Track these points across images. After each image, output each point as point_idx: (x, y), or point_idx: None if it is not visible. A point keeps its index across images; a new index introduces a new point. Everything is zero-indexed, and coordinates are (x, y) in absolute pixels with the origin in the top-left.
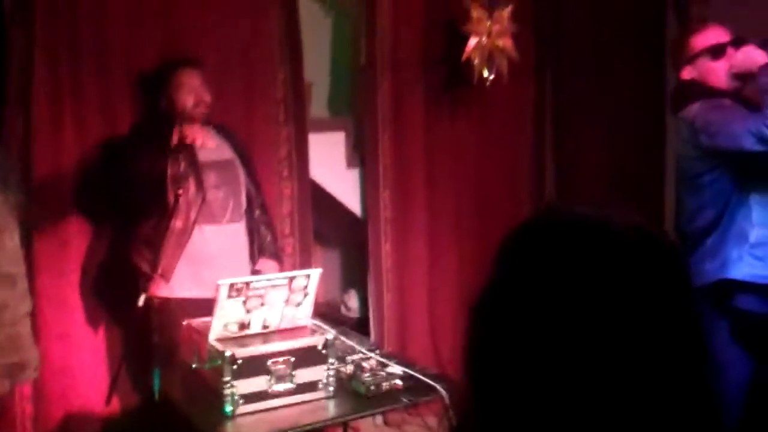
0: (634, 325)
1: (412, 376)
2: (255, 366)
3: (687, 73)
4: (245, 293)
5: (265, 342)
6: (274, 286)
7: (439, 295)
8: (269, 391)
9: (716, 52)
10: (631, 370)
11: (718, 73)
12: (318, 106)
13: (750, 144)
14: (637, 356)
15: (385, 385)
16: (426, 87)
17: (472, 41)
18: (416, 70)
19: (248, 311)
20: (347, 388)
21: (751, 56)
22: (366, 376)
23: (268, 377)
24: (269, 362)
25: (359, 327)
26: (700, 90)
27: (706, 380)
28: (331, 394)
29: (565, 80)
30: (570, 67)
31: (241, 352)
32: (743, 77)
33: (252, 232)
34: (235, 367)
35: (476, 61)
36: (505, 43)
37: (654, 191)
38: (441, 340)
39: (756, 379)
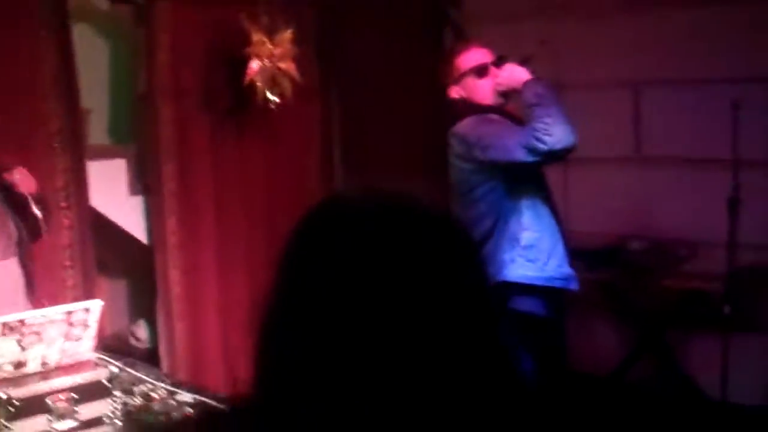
0: (422, 311)
1: (203, 401)
2: (33, 406)
3: (455, 92)
4: (20, 331)
5: (43, 379)
6: (51, 321)
7: (232, 318)
8: (50, 430)
9: (480, 71)
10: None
11: (484, 90)
12: (98, 133)
13: (522, 156)
14: (430, 346)
15: (175, 414)
16: (210, 112)
17: (254, 64)
18: (199, 95)
19: (24, 349)
20: (137, 420)
21: (514, 74)
22: (155, 406)
23: (48, 416)
24: (49, 400)
25: (150, 357)
26: (469, 107)
27: (500, 352)
28: (119, 428)
29: (352, 99)
30: (356, 86)
31: (17, 393)
32: (507, 94)
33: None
34: (11, 408)
35: (259, 85)
36: (288, 65)
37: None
38: (236, 363)
39: (535, 377)
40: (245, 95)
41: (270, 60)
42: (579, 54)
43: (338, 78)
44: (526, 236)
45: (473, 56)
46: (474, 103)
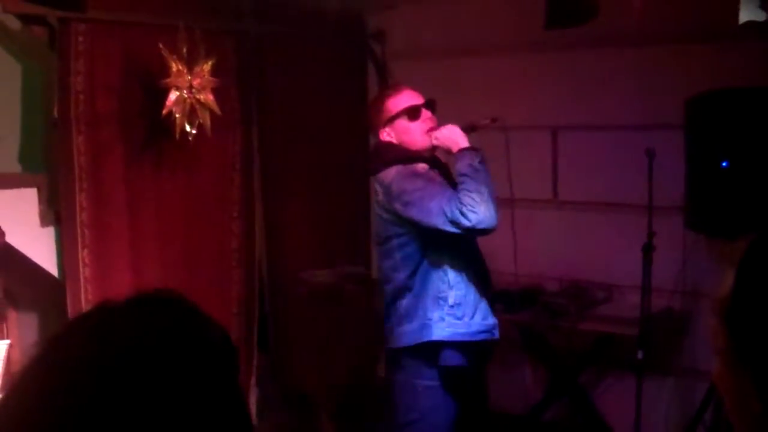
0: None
1: None
2: None
3: (385, 135)
4: None
5: None
6: None
7: None
8: None
9: (412, 113)
10: None
11: (415, 133)
12: (9, 160)
13: (441, 223)
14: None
15: None
16: (126, 142)
17: (173, 95)
18: (115, 124)
19: None
20: None
21: (453, 135)
22: None
23: None
24: None
25: None
26: (398, 153)
27: None
28: None
29: (273, 133)
30: (277, 120)
31: None
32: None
33: None
34: None
35: (178, 116)
36: (207, 97)
37: (363, 242)
38: None
39: (460, 421)
40: (163, 125)
41: (189, 91)
42: (498, 95)
43: (259, 110)
44: (453, 295)
45: (404, 98)
46: (403, 147)
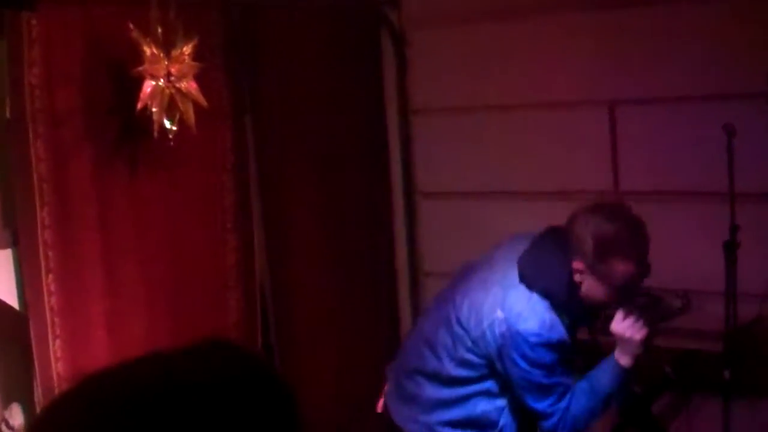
0: None
1: None
2: None
3: (576, 267)
4: None
5: None
6: None
7: None
8: None
9: (625, 293)
10: None
11: (600, 301)
12: None
13: (538, 414)
14: None
15: None
16: (95, 144)
17: (148, 86)
18: (80, 123)
19: None
20: None
21: (630, 345)
22: None
23: None
24: None
25: None
26: (567, 287)
27: None
28: None
29: (271, 125)
30: (275, 109)
31: None
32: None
33: None
34: None
35: (155, 110)
36: (189, 85)
37: (383, 235)
38: None
39: None
40: (138, 122)
41: (167, 80)
42: (539, 67)
43: (253, 97)
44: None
45: (634, 267)
46: (575, 288)
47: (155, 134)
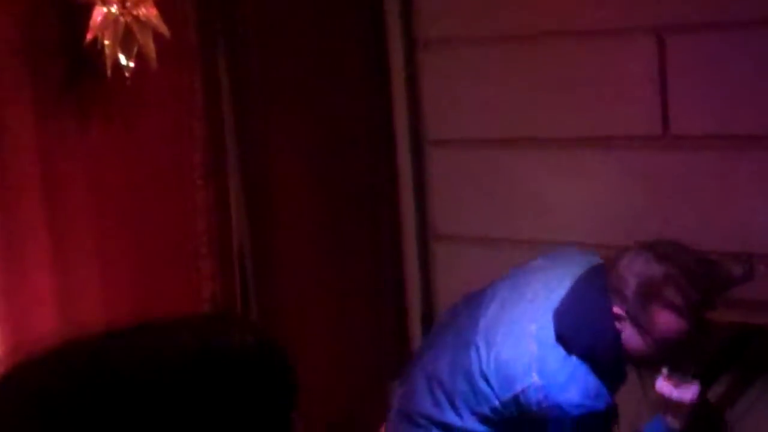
0: None
1: None
2: None
3: (618, 313)
4: None
5: None
6: None
7: None
8: None
9: (670, 350)
10: None
11: (642, 356)
12: None
13: None
14: None
15: None
16: (35, 87)
17: (99, 13)
18: (17, 63)
19: None
20: None
21: (682, 398)
22: None
23: None
24: None
25: None
26: (614, 349)
27: None
28: None
29: (250, 64)
30: (255, 44)
31: None
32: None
33: None
34: None
35: (107, 42)
36: (148, 12)
37: (386, 191)
38: None
39: None
40: (88, 58)
41: (121, 5)
42: None
43: (228, 29)
44: None
45: (683, 324)
46: (620, 346)
47: (108, 73)
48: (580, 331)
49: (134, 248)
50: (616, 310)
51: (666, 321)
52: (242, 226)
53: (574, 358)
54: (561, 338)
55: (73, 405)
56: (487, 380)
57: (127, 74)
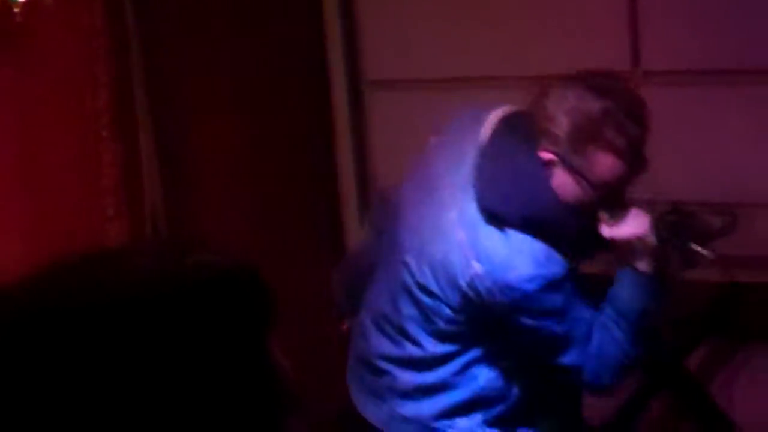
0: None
1: None
2: None
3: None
4: None
5: None
6: None
7: None
8: None
9: (613, 197)
10: None
11: (582, 203)
12: None
13: (576, 379)
14: None
15: None
16: None
17: None
18: None
19: None
20: None
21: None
22: None
23: None
24: None
25: None
26: (553, 207)
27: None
28: None
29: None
30: None
31: None
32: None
33: None
34: None
35: None
36: None
37: (322, 140)
38: None
39: None
40: None
41: None
42: None
43: None
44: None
45: (624, 167)
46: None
47: None
48: (508, 200)
49: (28, 209)
50: (546, 155)
51: (605, 163)
52: (155, 187)
53: (509, 230)
54: (488, 214)
55: (32, 341)
56: (428, 291)
57: (15, 10)
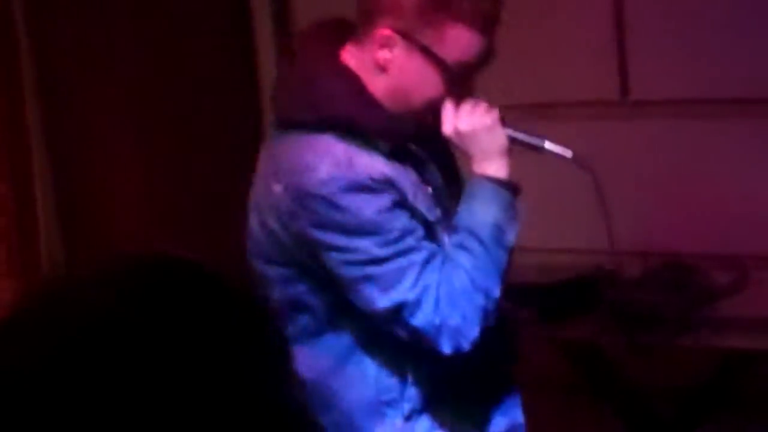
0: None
1: None
2: None
3: (377, 53)
4: None
5: None
6: None
7: None
8: None
9: (468, 69)
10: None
11: (425, 91)
12: None
13: (385, 320)
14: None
15: None
16: None
17: None
18: None
19: None
20: None
21: (488, 142)
22: None
23: None
24: None
25: None
26: (356, 104)
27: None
28: None
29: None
30: None
31: None
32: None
33: None
34: None
35: None
36: None
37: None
38: None
39: None
40: None
41: None
42: None
43: None
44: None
45: (478, 39)
46: (370, 91)
47: None
48: (299, 101)
49: None
50: (383, 31)
51: (460, 37)
52: (54, 239)
53: (308, 136)
54: (285, 124)
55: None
56: (267, 259)
57: None
